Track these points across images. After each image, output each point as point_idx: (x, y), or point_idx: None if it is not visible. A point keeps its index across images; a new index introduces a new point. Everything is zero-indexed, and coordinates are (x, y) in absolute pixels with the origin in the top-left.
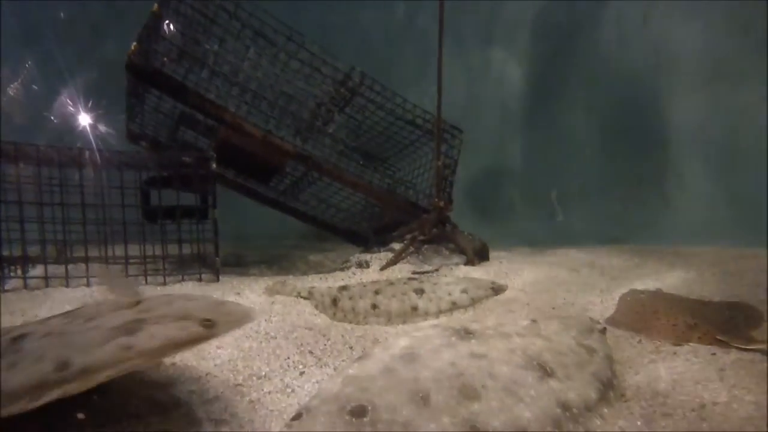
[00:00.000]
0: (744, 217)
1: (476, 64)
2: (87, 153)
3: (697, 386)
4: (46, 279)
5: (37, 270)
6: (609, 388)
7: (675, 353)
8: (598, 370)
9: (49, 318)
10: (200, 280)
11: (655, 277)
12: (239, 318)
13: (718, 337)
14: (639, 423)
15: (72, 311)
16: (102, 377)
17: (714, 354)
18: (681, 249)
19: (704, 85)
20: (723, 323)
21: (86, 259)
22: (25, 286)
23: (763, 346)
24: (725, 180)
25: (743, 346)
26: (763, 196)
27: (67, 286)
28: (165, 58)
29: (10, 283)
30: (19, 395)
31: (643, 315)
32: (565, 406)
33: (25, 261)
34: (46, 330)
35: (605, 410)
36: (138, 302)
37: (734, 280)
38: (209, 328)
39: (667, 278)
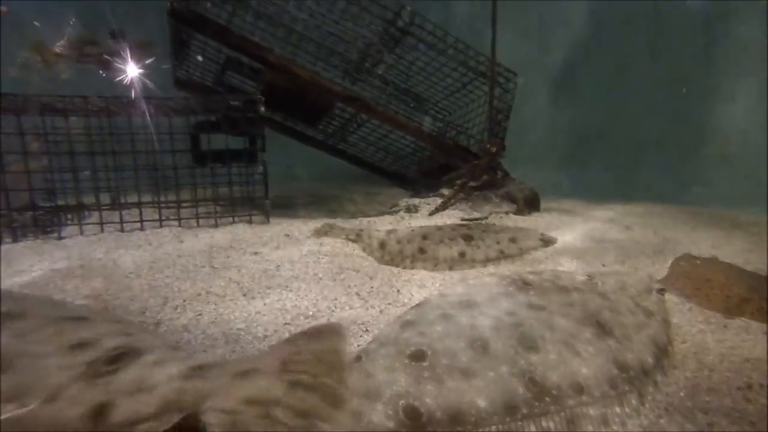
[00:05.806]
0: None
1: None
2: (136, 102)
3: (746, 364)
4: (102, 225)
5: (93, 218)
6: (664, 355)
7: (725, 326)
8: (656, 335)
9: None
10: (250, 222)
11: (710, 243)
12: None
13: None
14: (682, 394)
15: None
16: None
17: None
18: (740, 215)
19: None
20: None
21: (139, 204)
22: (81, 233)
23: None
24: None
25: None
26: None
27: (122, 231)
28: (208, 2)
29: (67, 231)
30: None
31: (695, 282)
32: (622, 367)
33: (81, 209)
34: None
35: (659, 377)
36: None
37: None
38: None
39: (724, 246)
